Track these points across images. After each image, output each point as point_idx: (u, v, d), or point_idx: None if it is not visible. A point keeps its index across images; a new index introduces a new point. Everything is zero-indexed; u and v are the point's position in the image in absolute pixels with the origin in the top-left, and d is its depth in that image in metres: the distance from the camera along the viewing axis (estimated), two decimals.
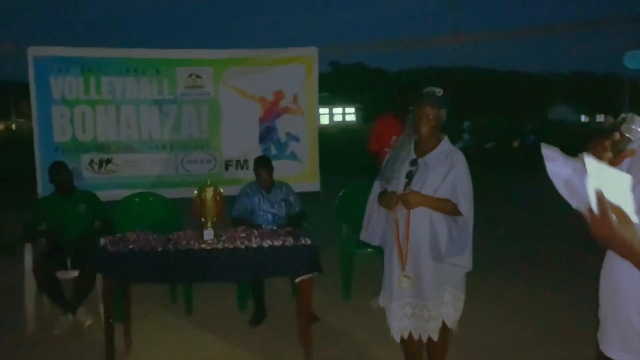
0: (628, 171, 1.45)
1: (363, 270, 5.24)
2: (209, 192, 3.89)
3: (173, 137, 6.00)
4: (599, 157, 1.43)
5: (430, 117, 3.06)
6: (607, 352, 1.61)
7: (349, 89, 66.42)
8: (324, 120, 57.81)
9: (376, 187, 3.32)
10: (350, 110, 67.42)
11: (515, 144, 26.65)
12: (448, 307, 3.14)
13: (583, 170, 1.28)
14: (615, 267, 1.53)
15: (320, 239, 4.01)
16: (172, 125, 5.99)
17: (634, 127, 1.47)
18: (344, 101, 66.20)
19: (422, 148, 3.14)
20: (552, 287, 5.46)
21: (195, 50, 6.27)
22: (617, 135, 1.48)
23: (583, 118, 64.61)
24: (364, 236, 3.46)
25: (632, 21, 6.95)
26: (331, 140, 18.97)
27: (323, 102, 51.96)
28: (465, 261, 3.09)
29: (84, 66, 5.80)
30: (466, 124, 24.93)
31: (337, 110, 67.34)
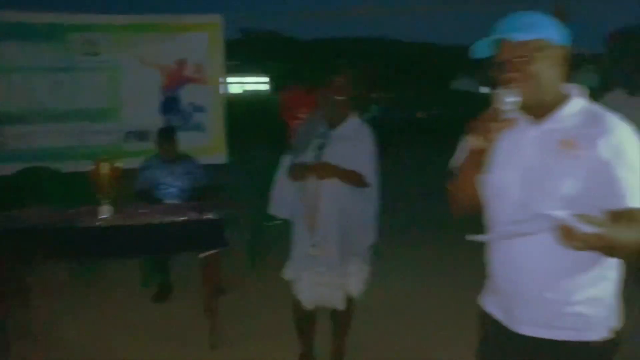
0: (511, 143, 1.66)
1: (277, 242, 5.23)
2: (105, 167, 3.70)
3: (68, 106, 5.65)
4: (481, 136, 1.58)
5: (341, 89, 3.07)
6: (518, 329, 1.69)
7: (261, 57, 65.52)
8: (235, 89, 56.88)
9: (286, 160, 3.31)
10: (263, 79, 66.69)
11: (420, 114, 27.48)
12: (353, 278, 3.20)
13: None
14: (516, 246, 1.62)
15: (230, 212, 3.95)
16: (67, 95, 5.64)
17: (504, 98, 1.55)
18: (256, 70, 65.30)
19: (333, 121, 3.15)
20: (462, 251, 5.69)
21: (93, 15, 5.91)
22: (491, 110, 1.57)
23: (483, 89, 67.45)
24: (272, 209, 3.46)
25: None
26: (242, 110, 18.71)
27: (233, 71, 51.10)
28: (370, 232, 3.18)
29: None
30: (374, 95, 25.37)
31: (249, 79, 66.38)
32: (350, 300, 3.26)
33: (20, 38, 5.47)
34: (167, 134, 4.76)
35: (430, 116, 26.39)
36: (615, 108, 4.78)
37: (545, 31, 1.58)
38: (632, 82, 4.46)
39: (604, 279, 1.62)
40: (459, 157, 1.72)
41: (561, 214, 1.38)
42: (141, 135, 5.79)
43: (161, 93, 5.86)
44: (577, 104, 1.62)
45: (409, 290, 4.71)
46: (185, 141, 5.19)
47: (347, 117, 3.16)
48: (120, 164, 3.88)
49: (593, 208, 1.47)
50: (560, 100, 1.62)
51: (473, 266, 5.44)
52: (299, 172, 3.13)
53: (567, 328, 1.62)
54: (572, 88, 1.65)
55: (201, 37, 5.90)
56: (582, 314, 1.61)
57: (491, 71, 1.64)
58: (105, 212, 3.64)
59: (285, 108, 6.13)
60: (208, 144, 5.95)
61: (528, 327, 1.67)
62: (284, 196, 3.37)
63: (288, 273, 3.29)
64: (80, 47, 5.61)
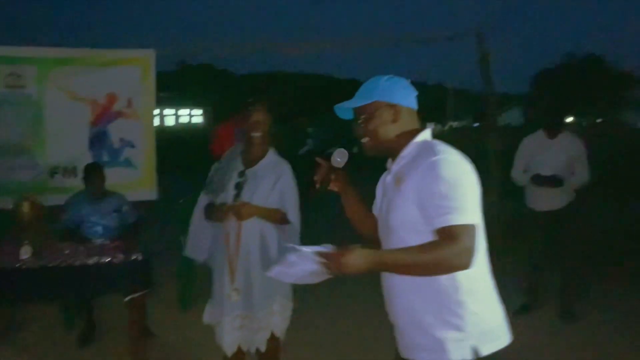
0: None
1: (205, 281, 5.12)
2: (26, 205, 3.54)
3: None
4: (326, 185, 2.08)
5: (260, 124, 3.06)
6: (402, 354, 1.96)
7: (196, 90, 65.01)
8: (170, 121, 56.04)
9: (202, 200, 3.23)
10: (198, 112, 66.07)
11: (355, 149, 27.81)
12: (277, 317, 3.14)
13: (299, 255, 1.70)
14: (386, 279, 1.95)
15: (159, 249, 3.84)
16: None
17: (338, 159, 2.05)
18: (191, 102, 64.65)
19: (250, 158, 3.13)
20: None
21: (18, 47, 5.70)
22: (322, 168, 2.08)
23: None
24: (189, 251, 3.36)
25: (458, 37, 7.59)
26: (177, 143, 18.42)
27: (169, 103, 50.34)
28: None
29: None
30: (310, 129, 25.66)
31: (184, 111, 65.63)
32: (276, 340, 3.19)
33: None
34: (94, 170, 4.62)
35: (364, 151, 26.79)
36: (535, 149, 5.00)
37: (381, 94, 1.91)
38: (550, 124, 4.71)
39: (460, 306, 1.78)
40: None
41: (304, 249, 1.68)
42: (68, 171, 5.58)
43: (90, 128, 5.69)
44: (415, 144, 1.90)
45: (335, 324, 4.68)
46: (114, 177, 5.05)
47: (265, 153, 3.13)
48: (43, 201, 3.73)
49: (430, 231, 1.73)
50: (405, 142, 1.91)
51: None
52: (217, 213, 3.05)
53: (429, 350, 1.82)
54: (422, 131, 1.94)
55: (132, 72, 5.79)
56: (439, 338, 1.79)
57: (353, 129, 1.99)
58: (26, 253, 3.47)
59: (215, 142, 6.06)
60: (138, 180, 5.79)
61: (406, 351, 1.93)
62: (201, 238, 3.28)
63: (207, 318, 3.21)
64: (5, 79, 5.40)
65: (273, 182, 3.05)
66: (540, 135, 4.77)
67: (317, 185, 2.05)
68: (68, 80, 5.60)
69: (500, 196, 6.83)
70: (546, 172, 4.60)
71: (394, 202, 1.84)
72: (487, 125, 7.28)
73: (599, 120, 41.29)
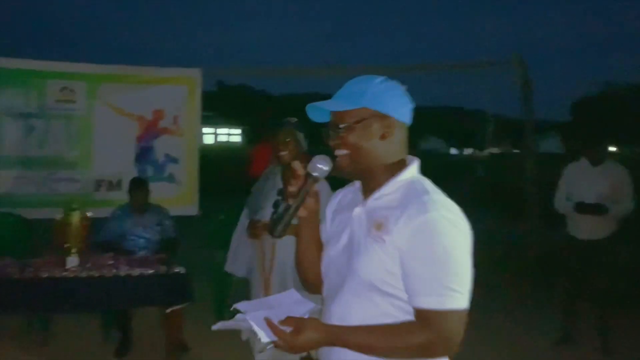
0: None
1: (240, 297, 5.16)
2: (75, 216, 3.66)
3: (38, 153, 5.60)
4: (296, 201, 1.54)
5: (287, 143, 3.13)
6: None
7: (235, 110, 66.02)
8: (209, 140, 56.95)
9: (244, 218, 3.31)
10: (236, 131, 66.98)
11: None
12: None
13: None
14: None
15: (197, 265, 3.91)
16: (38, 141, 5.60)
17: (319, 165, 1.54)
18: (229, 122, 65.64)
19: (288, 176, 3.18)
20: None
21: (69, 63, 5.95)
22: (301, 176, 1.55)
23: (453, 150, 68.97)
24: (228, 267, 3.43)
25: (493, 65, 7.59)
26: (215, 161, 18.68)
27: (207, 122, 51.18)
28: None
29: None
30: None
31: (222, 130, 66.64)
32: (310, 359, 3.19)
33: None
34: (139, 184, 4.75)
35: None
36: (579, 176, 4.93)
37: (372, 101, 1.48)
38: (593, 153, 4.64)
39: None
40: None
41: (252, 318, 1.41)
42: (112, 185, 5.75)
43: (136, 143, 5.87)
44: (402, 179, 1.50)
45: None
46: (158, 192, 5.17)
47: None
48: (90, 213, 3.85)
49: (401, 296, 1.43)
50: (391, 173, 1.51)
51: None
52: (255, 230, 3.12)
53: None
54: (410, 160, 1.55)
55: (180, 90, 5.97)
56: None
57: (323, 136, 1.56)
58: (72, 263, 3.58)
59: (253, 161, 6.18)
60: (180, 195, 5.94)
61: None
62: (240, 254, 3.35)
63: (244, 334, 3.24)
64: (57, 94, 5.62)
65: None
66: (584, 162, 4.70)
67: (288, 201, 1.54)
68: (116, 96, 5.80)
69: (538, 223, 6.74)
70: (590, 199, 4.52)
71: (370, 249, 1.45)
72: (526, 152, 7.20)
73: None
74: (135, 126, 5.87)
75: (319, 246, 1.66)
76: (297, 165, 1.55)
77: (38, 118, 5.60)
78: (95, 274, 3.53)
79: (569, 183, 4.74)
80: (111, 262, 3.71)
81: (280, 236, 1.52)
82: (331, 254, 1.59)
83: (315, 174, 1.53)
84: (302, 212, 1.57)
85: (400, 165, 1.52)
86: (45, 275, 3.49)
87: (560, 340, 4.74)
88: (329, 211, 1.71)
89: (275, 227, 1.51)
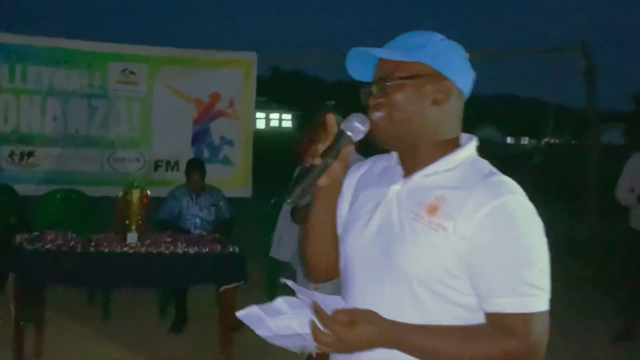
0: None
1: (292, 279, 5.21)
2: (135, 194, 3.77)
3: (101, 133, 5.78)
4: (317, 165, 1.25)
5: (328, 127, 3.13)
6: None
7: (287, 95, 66.45)
8: (260, 124, 57.57)
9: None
10: (287, 116, 67.45)
11: None
12: None
13: (285, 311, 1.19)
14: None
15: (249, 246, 3.97)
16: (101, 121, 5.79)
17: (356, 123, 1.25)
18: (281, 107, 66.15)
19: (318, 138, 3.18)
20: None
21: (131, 45, 6.08)
22: (332, 134, 1.28)
23: (509, 139, 67.40)
24: (273, 253, 3.46)
25: (553, 52, 7.34)
26: (266, 146, 18.90)
27: (260, 107, 51.65)
28: None
29: (10, 53, 5.52)
30: None
31: (274, 115, 67.23)
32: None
33: (59, 64, 5.65)
34: (195, 166, 4.84)
35: None
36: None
37: (431, 57, 1.23)
38: None
39: None
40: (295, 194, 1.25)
41: (306, 296, 1.12)
42: (170, 165, 5.90)
43: (193, 125, 5.98)
44: (460, 157, 1.24)
45: None
46: (213, 174, 5.26)
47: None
48: (149, 192, 3.96)
49: (459, 300, 1.18)
50: (442, 151, 1.25)
51: None
52: (300, 215, 3.11)
53: None
54: (465, 138, 1.29)
55: (236, 73, 6.03)
56: None
57: (362, 95, 1.31)
58: (132, 239, 3.69)
59: (302, 146, 6.21)
60: (234, 178, 6.02)
61: None
62: (285, 239, 3.36)
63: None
64: (119, 76, 5.77)
65: None
66: None
67: (313, 161, 1.23)
68: (175, 79, 5.91)
69: (599, 216, 6.52)
70: None
71: (421, 238, 1.17)
72: (589, 143, 6.96)
73: None
74: (193, 109, 5.97)
75: (335, 227, 1.38)
76: (331, 118, 1.28)
77: (101, 99, 5.77)
78: (154, 250, 3.63)
79: (633, 174, 4.57)
80: (169, 239, 3.80)
81: (295, 203, 1.25)
82: (359, 240, 1.28)
83: (349, 133, 1.24)
84: (322, 181, 1.26)
85: (455, 143, 1.26)
86: (106, 250, 3.61)
87: (620, 335, 4.60)
88: (348, 184, 1.38)
89: (290, 193, 1.22)
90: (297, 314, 1.18)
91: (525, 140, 68.50)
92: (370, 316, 1.15)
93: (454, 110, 1.26)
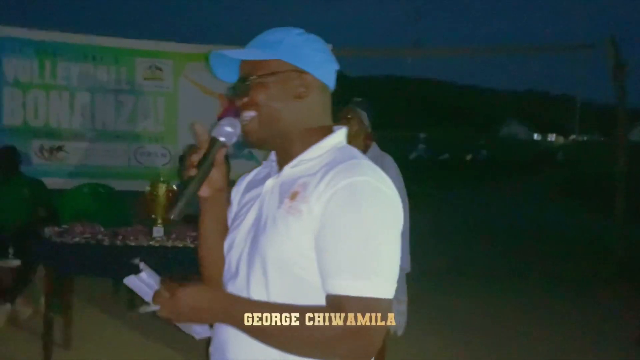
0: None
1: None
2: (162, 188, 3.83)
3: (127, 127, 5.88)
4: (190, 172, 1.28)
5: (348, 121, 3.18)
6: None
7: None
8: None
9: None
10: None
11: (469, 157, 27.27)
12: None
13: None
14: (222, 331, 1.26)
15: None
16: (128, 116, 5.88)
17: (226, 128, 1.27)
18: None
19: None
20: (506, 304, 5.54)
21: (157, 41, 6.16)
22: (202, 142, 1.28)
23: (535, 136, 66.54)
24: None
25: (582, 48, 7.23)
26: None
27: None
28: (404, 262, 3.16)
29: (40, 49, 5.63)
30: (422, 135, 25.52)
31: None
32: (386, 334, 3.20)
33: (87, 59, 5.76)
34: None
35: (478, 159, 26.22)
36: None
37: (287, 52, 1.24)
38: None
39: None
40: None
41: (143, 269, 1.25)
42: None
43: (217, 120, 6.03)
44: (326, 144, 1.25)
45: (440, 345, 4.45)
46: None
47: (367, 150, 3.23)
48: (175, 186, 4.01)
49: (317, 283, 1.15)
50: (310, 142, 1.25)
51: (518, 323, 5.39)
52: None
53: None
54: (337, 128, 1.30)
55: None
56: None
57: (232, 96, 1.31)
58: (158, 233, 3.75)
59: None
60: None
61: None
62: None
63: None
64: (145, 71, 5.86)
65: None
66: None
67: (190, 172, 1.25)
68: (201, 74, 5.97)
69: (626, 215, 6.43)
70: None
71: (279, 223, 1.17)
72: (618, 141, 6.85)
73: None
74: (217, 104, 6.04)
75: (224, 234, 1.35)
76: (199, 127, 1.28)
77: (128, 94, 5.86)
78: (179, 244, 3.69)
79: None
80: (194, 233, 3.85)
81: (179, 217, 1.24)
82: (233, 238, 1.29)
83: (221, 138, 1.26)
84: (204, 191, 1.29)
85: (324, 132, 1.27)
86: (133, 243, 3.68)
87: None
88: (235, 193, 1.41)
89: (173, 208, 1.23)
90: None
91: (552, 137, 67.51)
92: (197, 286, 1.20)
93: (318, 102, 1.27)
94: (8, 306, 4.35)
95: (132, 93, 5.88)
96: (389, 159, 3.27)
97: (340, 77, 1.37)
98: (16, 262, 4.38)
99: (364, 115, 3.30)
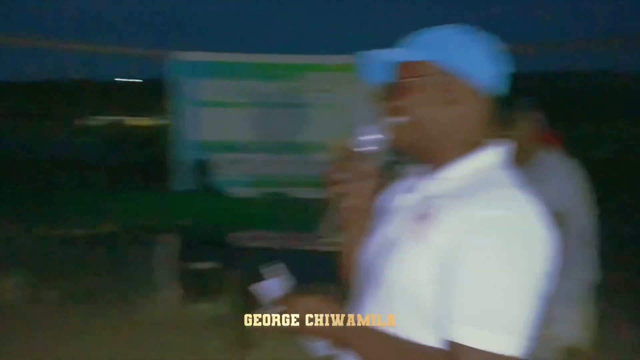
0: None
1: None
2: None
3: (300, 139, 6.21)
4: (338, 187, 1.24)
5: (518, 122, 2.99)
6: None
7: None
8: None
9: None
10: None
11: None
12: (563, 325, 2.95)
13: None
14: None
15: None
16: (300, 128, 6.21)
17: (368, 137, 1.20)
18: None
19: (521, 158, 3.01)
20: None
21: (325, 56, 6.46)
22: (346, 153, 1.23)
23: None
24: None
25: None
26: None
27: None
28: (585, 270, 2.90)
29: (221, 70, 6.17)
30: (605, 132, 23.33)
31: None
32: (572, 351, 2.98)
33: (267, 77, 6.18)
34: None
35: None
36: None
37: (442, 53, 1.12)
38: None
39: None
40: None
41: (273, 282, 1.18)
42: None
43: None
44: (476, 163, 1.12)
45: None
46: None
47: (536, 153, 2.91)
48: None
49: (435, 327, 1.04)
50: (457, 155, 1.13)
51: None
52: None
53: None
54: (492, 143, 1.15)
55: None
56: None
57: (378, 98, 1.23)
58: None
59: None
60: None
61: None
62: None
63: None
64: (314, 85, 6.15)
65: (551, 180, 2.79)
66: None
67: (336, 188, 1.24)
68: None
69: None
70: None
71: (403, 248, 1.10)
72: None
73: None
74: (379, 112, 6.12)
75: None
76: (342, 143, 1.24)
77: (298, 107, 6.20)
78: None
79: None
80: None
81: (327, 236, 1.28)
82: (367, 251, 1.23)
83: (368, 148, 1.21)
84: (348, 201, 1.24)
85: (476, 146, 1.13)
86: (310, 248, 3.89)
87: None
88: (379, 201, 1.32)
89: (322, 228, 1.23)
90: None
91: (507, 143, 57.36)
92: (322, 298, 1.14)
93: (474, 109, 1.13)
94: (207, 305, 4.77)
95: (303, 106, 6.19)
96: (565, 169, 2.92)
97: (520, 76, 1.29)
98: (208, 265, 4.81)
99: (533, 116, 3.04)
